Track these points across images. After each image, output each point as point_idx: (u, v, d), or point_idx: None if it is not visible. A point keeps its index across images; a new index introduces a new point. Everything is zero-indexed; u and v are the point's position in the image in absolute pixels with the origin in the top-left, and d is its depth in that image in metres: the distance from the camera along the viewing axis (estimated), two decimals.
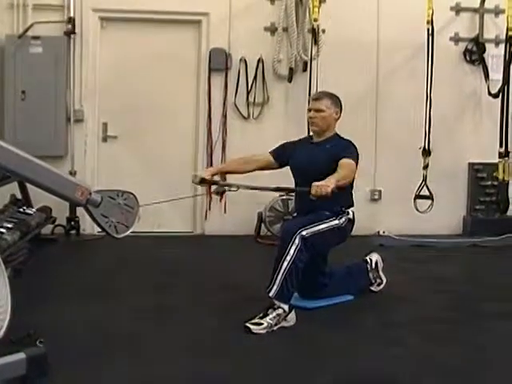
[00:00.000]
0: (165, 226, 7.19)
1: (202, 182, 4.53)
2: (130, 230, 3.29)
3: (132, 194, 3.30)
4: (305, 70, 7.08)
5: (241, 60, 7.17)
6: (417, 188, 6.62)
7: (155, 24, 7.14)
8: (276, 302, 4.13)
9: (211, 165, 7.07)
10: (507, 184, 6.51)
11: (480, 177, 7.43)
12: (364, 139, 6.87)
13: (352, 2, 7.13)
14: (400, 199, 6.98)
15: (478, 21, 7.36)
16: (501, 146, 6.46)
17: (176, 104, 7.23)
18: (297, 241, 4.14)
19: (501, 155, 6.47)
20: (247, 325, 4.03)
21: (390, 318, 4.39)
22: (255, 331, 4.01)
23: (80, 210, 6.14)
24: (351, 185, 4.52)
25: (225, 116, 7.19)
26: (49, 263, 5.77)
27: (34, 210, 6.21)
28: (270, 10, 7.16)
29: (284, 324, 4.13)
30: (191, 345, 3.84)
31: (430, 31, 6.50)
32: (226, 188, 4.65)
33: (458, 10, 7.38)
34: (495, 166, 6.59)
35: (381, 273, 5.02)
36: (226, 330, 4.08)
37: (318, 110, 4.52)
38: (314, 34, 6.78)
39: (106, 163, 7.19)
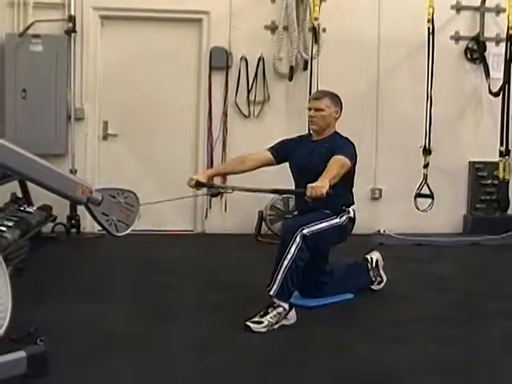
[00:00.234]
0: (165, 224, 7.19)
1: (198, 185, 4.51)
2: (131, 229, 3.29)
3: (132, 192, 3.30)
4: (305, 68, 7.08)
5: (241, 58, 7.16)
6: (417, 187, 6.62)
7: (156, 22, 7.14)
8: (276, 301, 4.13)
9: (211, 163, 7.09)
10: (508, 183, 6.51)
11: (480, 175, 7.43)
12: (364, 138, 6.91)
13: (352, 0, 7.13)
14: (401, 198, 6.99)
15: (478, 19, 7.35)
16: (501, 144, 6.47)
17: (177, 102, 7.23)
18: (297, 239, 4.14)
19: (501, 154, 6.47)
20: (248, 323, 4.03)
21: (391, 317, 4.39)
22: (256, 330, 4.01)
23: (80, 209, 6.12)
24: (351, 183, 4.52)
25: (225, 114, 7.19)
26: (49, 261, 5.77)
27: (34, 208, 6.21)
28: (271, 8, 7.16)
29: (284, 322, 4.13)
30: (192, 343, 3.84)
31: (431, 30, 6.49)
32: (221, 190, 4.64)
33: (458, 8, 7.37)
34: (496, 164, 6.60)
35: (381, 271, 5.02)
36: (226, 328, 4.08)
37: (318, 109, 4.51)
38: (315, 32, 6.77)
39: (107, 161, 7.19)
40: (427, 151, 6.62)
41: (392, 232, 7.18)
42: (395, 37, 7.14)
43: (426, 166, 6.61)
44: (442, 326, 4.20)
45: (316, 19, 6.71)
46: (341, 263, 4.92)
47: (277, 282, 4.12)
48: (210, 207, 7.23)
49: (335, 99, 4.57)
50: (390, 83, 7.29)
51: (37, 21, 6.81)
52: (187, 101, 7.26)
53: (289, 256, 4.12)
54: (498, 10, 7.28)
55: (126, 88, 7.12)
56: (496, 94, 6.75)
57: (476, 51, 7.38)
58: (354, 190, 4.60)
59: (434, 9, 6.45)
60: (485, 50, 7.32)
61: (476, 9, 7.35)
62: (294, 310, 4.20)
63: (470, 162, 7.46)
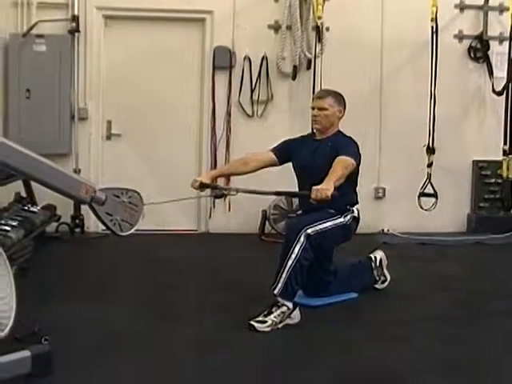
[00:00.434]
0: (169, 224, 7.19)
1: (202, 186, 4.51)
2: (135, 228, 3.29)
3: (136, 192, 3.31)
4: (309, 67, 7.07)
5: (245, 58, 7.16)
6: (421, 186, 6.60)
7: (159, 22, 7.15)
8: (280, 300, 4.13)
9: (215, 162, 7.09)
10: (511, 182, 6.50)
11: (484, 174, 7.42)
12: (368, 137, 6.91)
13: None
14: (404, 197, 6.98)
15: (482, 18, 7.34)
16: (505, 143, 6.45)
17: (180, 102, 7.23)
18: (302, 239, 4.13)
19: (505, 153, 6.46)
20: (251, 323, 4.03)
21: (395, 316, 4.38)
22: (259, 329, 4.01)
23: (84, 208, 6.14)
24: (355, 183, 4.52)
25: (229, 114, 7.19)
26: (53, 261, 5.77)
27: (38, 207, 6.22)
28: (274, 7, 7.16)
29: (288, 322, 4.13)
30: (195, 343, 3.84)
31: (434, 29, 6.48)
32: (225, 192, 4.63)
33: (462, 7, 7.37)
34: (499, 163, 6.58)
35: (385, 270, 5.02)
36: (230, 327, 4.08)
37: (321, 109, 4.50)
38: (318, 31, 6.76)
39: (111, 161, 7.20)
40: (431, 150, 6.61)
41: (396, 231, 7.18)
42: (398, 36, 7.14)
43: (429, 165, 6.60)
44: (446, 325, 4.20)
45: (319, 18, 6.70)
46: (345, 262, 4.92)
47: (281, 281, 4.12)
48: (214, 207, 7.23)
49: (339, 98, 4.57)
50: (393, 82, 7.28)
51: (40, 21, 6.82)
52: (191, 100, 7.27)
53: (293, 255, 4.12)
54: (502, 9, 7.27)
55: (129, 88, 7.13)
56: (499, 93, 6.75)
57: (479, 50, 7.37)
58: (357, 189, 4.59)
59: (437, 8, 6.44)
60: (488, 48, 7.32)
61: (479, 8, 7.34)
62: (297, 309, 4.20)
63: (473, 161, 7.45)
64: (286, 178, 4.84)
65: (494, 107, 7.19)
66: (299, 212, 4.80)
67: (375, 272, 4.95)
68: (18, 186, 6.16)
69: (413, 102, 7.12)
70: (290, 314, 4.14)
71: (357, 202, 4.56)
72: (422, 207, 6.58)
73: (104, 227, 3.27)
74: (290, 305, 4.14)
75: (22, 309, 3.17)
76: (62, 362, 3.26)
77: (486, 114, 7.40)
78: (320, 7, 6.65)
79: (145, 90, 7.13)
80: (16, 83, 6.78)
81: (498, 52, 7.29)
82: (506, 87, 6.52)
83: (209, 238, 7.11)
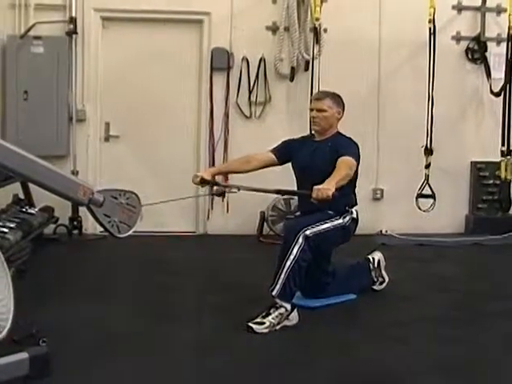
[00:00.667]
0: (167, 225, 7.19)
1: (203, 182, 4.51)
2: (133, 230, 3.29)
3: (134, 193, 3.31)
4: (306, 69, 7.08)
5: (243, 59, 7.17)
6: (419, 187, 6.62)
7: (157, 23, 7.15)
8: (278, 301, 4.13)
9: (213, 164, 7.08)
10: (509, 183, 6.51)
11: (482, 175, 7.42)
12: (366, 138, 6.90)
13: (353, 0, 7.13)
14: (402, 198, 6.99)
15: (479, 19, 7.35)
16: (503, 144, 6.47)
17: (178, 103, 7.23)
18: (300, 240, 4.13)
19: (503, 154, 6.47)
20: (250, 324, 4.03)
21: (393, 317, 4.38)
22: (258, 330, 4.01)
23: (82, 210, 6.14)
24: (354, 184, 4.52)
25: (227, 115, 7.20)
26: (51, 263, 5.77)
27: (36, 209, 6.21)
28: (272, 9, 7.16)
29: (286, 323, 4.13)
30: (194, 344, 3.84)
31: (432, 30, 6.50)
32: (227, 189, 4.60)
33: (459, 8, 7.37)
34: (497, 164, 6.59)
35: (383, 272, 5.02)
36: (228, 329, 4.08)
37: (320, 110, 4.50)
38: (316, 33, 6.77)
39: (109, 163, 7.19)
40: (429, 151, 6.62)
41: (394, 232, 7.18)
42: (396, 37, 7.14)
43: (427, 166, 6.61)
44: (444, 327, 4.20)
45: (317, 19, 6.71)
46: (343, 264, 4.92)
47: (279, 282, 4.12)
48: (212, 208, 7.23)
49: (337, 99, 4.57)
50: (391, 83, 7.29)
51: (38, 22, 6.82)
52: (188, 102, 7.27)
53: (291, 257, 4.11)
54: (499, 10, 7.28)
55: (127, 89, 7.13)
56: (497, 94, 6.76)
57: (477, 51, 7.37)
58: (356, 190, 4.59)
59: (435, 9, 6.46)
60: (486, 50, 7.32)
61: (477, 9, 7.34)
62: (296, 310, 4.20)
63: (471, 162, 7.46)
64: (288, 177, 4.81)
65: (491, 108, 7.20)
66: (297, 213, 4.80)
67: (373, 273, 4.96)
68: (15, 188, 6.16)
69: (411, 103, 7.13)
70: (288, 315, 4.14)
71: (356, 204, 4.57)
72: (420, 208, 6.59)
73: (102, 229, 3.27)
74: (288, 306, 4.14)
75: (20, 310, 3.16)
76: (60, 363, 3.26)
77: (484, 115, 7.41)
78: (318, 8, 6.67)
79: (143, 91, 7.13)
80: (14, 85, 6.78)
81: (495, 53, 7.30)
82: (503, 88, 6.54)
83: (207, 240, 7.10)
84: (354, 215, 4.50)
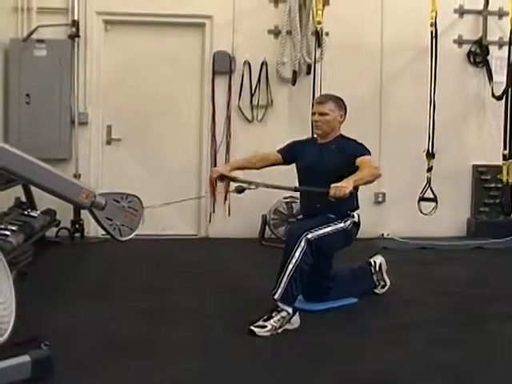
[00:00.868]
0: (169, 228, 7.19)
1: (221, 177, 4.53)
2: (134, 233, 3.29)
3: (136, 196, 3.31)
4: (308, 72, 7.08)
5: (244, 63, 7.17)
6: (421, 190, 6.61)
7: (159, 27, 7.16)
8: (280, 305, 4.12)
9: (215, 167, 7.07)
10: (511, 186, 6.50)
11: (484, 179, 7.43)
12: (368, 141, 6.76)
13: (355, 4, 7.13)
14: (404, 202, 6.99)
15: (481, 23, 7.36)
16: (505, 148, 6.46)
17: (180, 107, 7.25)
18: (302, 244, 4.14)
19: (505, 157, 6.46)
20: (251, 327, 4.03)
21: (394, 321, 4.38)
22: (259, 334, 4.01)
23: (84, 213, 6.15)
24: (356, 187, 4.52)
25: (229, 119, 7.20)
26: (53, 266, 5.77)
27: (38, 212, 6.22)
28: (274, 12, 7.17)
29: (288, 327, 4.13)
30: (194, 347, 3.84)
31: (434, 33, 6.50)
32: (245, 186, 4.55)
33: (461, 12, 7.38)
34: (499, 168, 6.59)
35: (385, 275, 5.01)
36: (229, 332, 4.08)
37: (322, 114, 4.51)
38: (318, 36, 6.76)
39: (111, 166, 7.20)
40: (430, 155, 6.61)
41: (395, 236, 7.18)
42: (398, 40, 7.16)
43: (429, 169, 6.61)
44: (445, 330, 4.19)
45: (319, 23, 6.70)
46: (344, 267, 4.91)
47: (281, 286, 4.12)
48: (214, 211, 7.23)
49: (339, 103, 4.58)
50: (393, 87, 7.30)
51: (41, 26, 6.83)
52: (191, 105, 7.28)
53: (293, 260, 4.12)
54: (501, 14, 7.28)
55: (129, 92, 7.14)
56: (499, 98, 6.75)
57: (479, 55, 7.38)
58: (358, 193, 4.60)
59: (437, 13, 6.45)
60: (488, 53, 7.33)
61: (479, 12, 7.35)
62: (297, 314, 4.20)
63: (473, 166, 7.46)
64: (289, 177, 4.82)
65: (493, 112, 7.19)
66: (300, 217, 4.81)
67: (375, 277, 4.95)
68: (17, 191, 6.17)
69: (413, 106, 7.13)
70: (290, 319, 4.14)
71: (357, 207, 4.57)
72: (421, 212, 6.58)
73: (104, 232, 3.28)
74: (290, 310, 4.14)
75: (22, 313, 3.17)
76: (62, 365, 3.26)
77: (486, 119, 7.41)
78: (320, 12, 6.66)
79: (145, 94, 7.14)
80: (16, 88, 6.80)
81: (497, 57, 7.31)
82: (505, 92, 6.53)
83: (208, 243, 7.10)
84: (356, 219, 4.51)
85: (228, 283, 5.25)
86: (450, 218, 7.30)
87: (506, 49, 6.68)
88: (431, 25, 6.48)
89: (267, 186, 4.42)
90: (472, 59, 7.42)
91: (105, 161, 7.23)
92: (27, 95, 6.78)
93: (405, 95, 7.24)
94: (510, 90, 6.45)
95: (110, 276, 5.50)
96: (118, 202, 3.22)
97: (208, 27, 7.17)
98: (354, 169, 4.25)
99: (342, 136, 4.60)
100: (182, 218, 7.20)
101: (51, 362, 3.17)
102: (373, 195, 7.33)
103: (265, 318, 4.09)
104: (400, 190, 7.15)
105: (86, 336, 3.94)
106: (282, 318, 4.10)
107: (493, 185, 7.34)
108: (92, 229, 6.88)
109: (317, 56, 6.84)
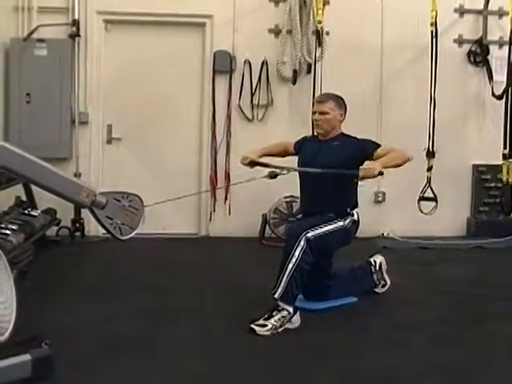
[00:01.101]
0: (169, 227, 7.20)
1: (252, 164, 4.57)
2: (135, 232, 3.29)
3: (137, 195, 3.31)
4: (309, 71, 7.08)
5: (245, 62, 7.18)
6: (421, 190, 6.61)
7: (159, 26, 7.16)
8: (281, 304, 4.13)
9: (215, 166, 7.11)
10: (511, 186, 6.50)
11: (484, 178, 7.43)
12: None
13: (356, 4, 7.13)
14: (404, 201, 6.99)
15: (481, 22, 7.36)
16: (505, 147, 6.45)
17: (180, 106, 7.25)
18: (302, 243, 4.15)
19: (505, 157, 6.46)
20: (252, 326, 4.04)
21: (394, 320, 4.39)
22: (260, 333, 4.01)
23: (85, 212, 6.15)
24: (356, 185, 4.52)
25: (229, 118, 7.20)
26: (53, 265, 5.78)
27: (38, 211, 6.23)
28: (274, 12, 7.18)
29: (288, 326, 4.14)
30: (195, 346, 3.85)
31: (434, 33, 6.49)
32: (277, 171, 4.52)
33: (461, 11, 7.38)
34: (499, 167, 6.58)
35: (385, 274, 5.02)
36: (230, 331, 4.09)
37: (323, 113, 4.53)
38: (318, 35, 6.76)
39: (111, 165, 7.20)
40: (431, 154, 6.61)
41: (395, 235, 7.18)
42: (398, 40, 7.16)
43: (429, 169, 6.61)
44: (445, 330, 4.20)
45: (319, 22, 6.70)
46: (344, 267, 4.92)
47: (281, 285, 4.13)
48: (214, 210, 7.24)
49: (339, 102, 4.59)
50: (393, 86, 7.30)
51: (41, 25, 6.84)
52: (191, 104, 7.28)
53: (293, 259, 4.13)
54: (501, 13, 7.28)
55: (129, 92, 7.15)
56: (499, 97, 6.75)
57: (479, 54, 7.39)
58: (357, 192, 4.60)
59: (437, 12, 6.45)
60: (488, 53, 7.33)
61: (479, 12, 7.36)
62: (298, 313, 4.20)
63: (473, 165, 7.46)
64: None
65: (493, 111, 7.18)
66: (299, 216, 4.82)
67: (375, 276, 4.96)
68: (18, 190, 6.17)
69: (413, 105, 7.14)
70: (291, 318, 4.15)
71: (357, 205, 4.58)
72: (421, 211, 6.58)
73: (104, 231, 3.28)
74: (291, 309, 4.15)
75: (23, 312, 3.17)
76: (63, 364, 3.26)
77: (486, 118, 7.42)
78: (320, 11, 6.65)
79: (145, 94, 7.14)
80: (17, 87, 6.80)
81: (497, 56, 7.31)
82: (505, 91, 6.53)
83: (209, 242, 7.11)
84: (355, 217, 4.52)
85: (228, 282, 5.26)
86: (449, 217, 7.31)
87: (506, 48, 6.67)
88: (431, 24, 6.48)
89: (297, 170, 4.57)
90: (472, 59, 7.42)
91: (105, 160, 7.23)
92: (28, 94, 6.79)
93: (405, 94, 7.25)
94: (510, 89, 6.44)
95: (110, 275, 5.51)
96: (118, 201, 3.22)
97: (208, 26, 7.17)
98: (358, 165, 4.25)
99: (343, 134, 4.62)
100: (183, 216, 7.20)
101: (52, 360, 3.18)
102: (373, 194, 7.34)
103: (265, 316, 4.10)
104: (400, 190, 7.15)
105: (86, 335, 3.94)
106: (283, 317, 4.11)
107: (493, 184, 7.35)
108: (92, 228, 6.88)
109: (317, 55, 6.83)
